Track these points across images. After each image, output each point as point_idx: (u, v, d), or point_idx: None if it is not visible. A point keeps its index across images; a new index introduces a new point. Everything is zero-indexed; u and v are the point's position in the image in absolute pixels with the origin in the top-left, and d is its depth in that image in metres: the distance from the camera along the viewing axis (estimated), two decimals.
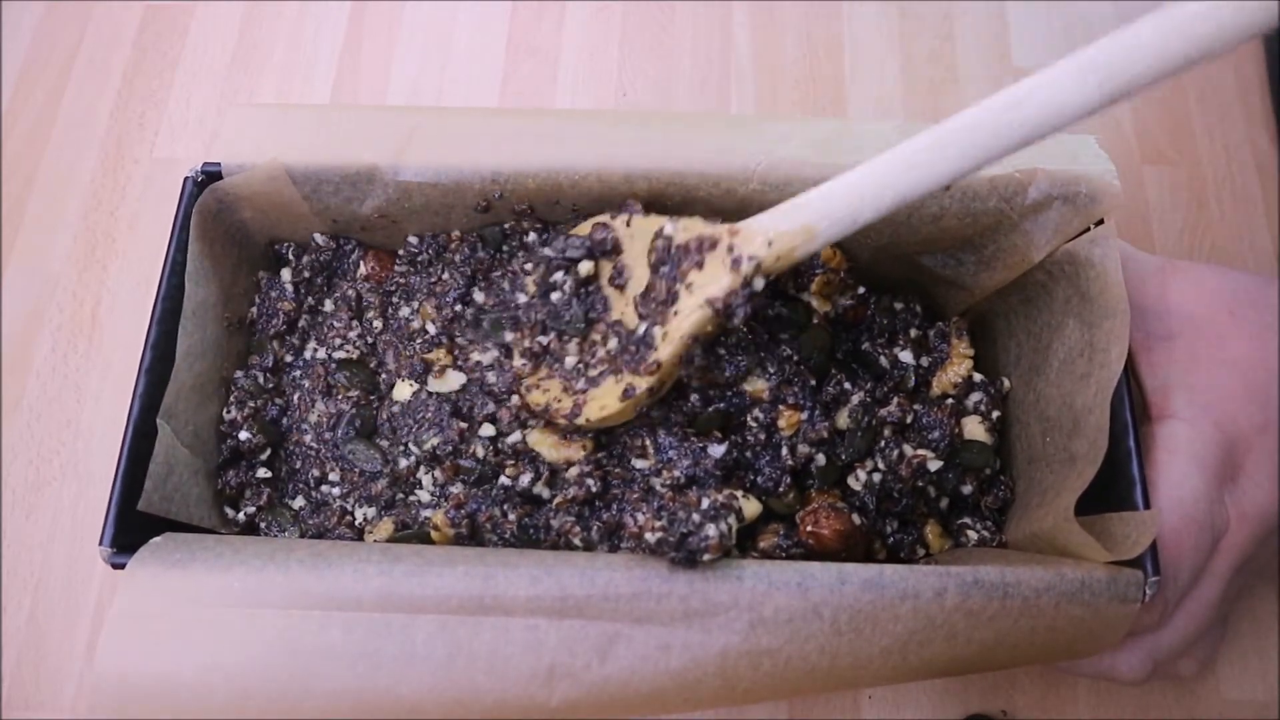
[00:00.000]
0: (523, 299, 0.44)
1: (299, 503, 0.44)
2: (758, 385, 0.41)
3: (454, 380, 0.45)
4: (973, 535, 0.42)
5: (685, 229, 0.38)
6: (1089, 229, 0.40)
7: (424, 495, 0.43)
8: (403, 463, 0.43)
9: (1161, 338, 0.41)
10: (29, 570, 0.53)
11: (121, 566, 0.36)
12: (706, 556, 0.35)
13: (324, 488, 0.44)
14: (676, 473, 0.39)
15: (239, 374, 0.46)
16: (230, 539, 0.37)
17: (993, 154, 0.32)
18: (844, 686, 0.39)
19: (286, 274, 0.48)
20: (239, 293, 0.46)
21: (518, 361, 0.43)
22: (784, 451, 0.41)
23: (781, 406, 0.41)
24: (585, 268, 0.42)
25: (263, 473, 0.44)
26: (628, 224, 0.42)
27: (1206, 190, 0.61)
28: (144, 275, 0.59)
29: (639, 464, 0.40)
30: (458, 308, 0.46)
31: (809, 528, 0.40)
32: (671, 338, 0.37)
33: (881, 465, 0.42)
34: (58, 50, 0.66)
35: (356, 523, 0.43)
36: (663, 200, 0.44)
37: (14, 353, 0.57)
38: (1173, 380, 0.40)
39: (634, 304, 0.40)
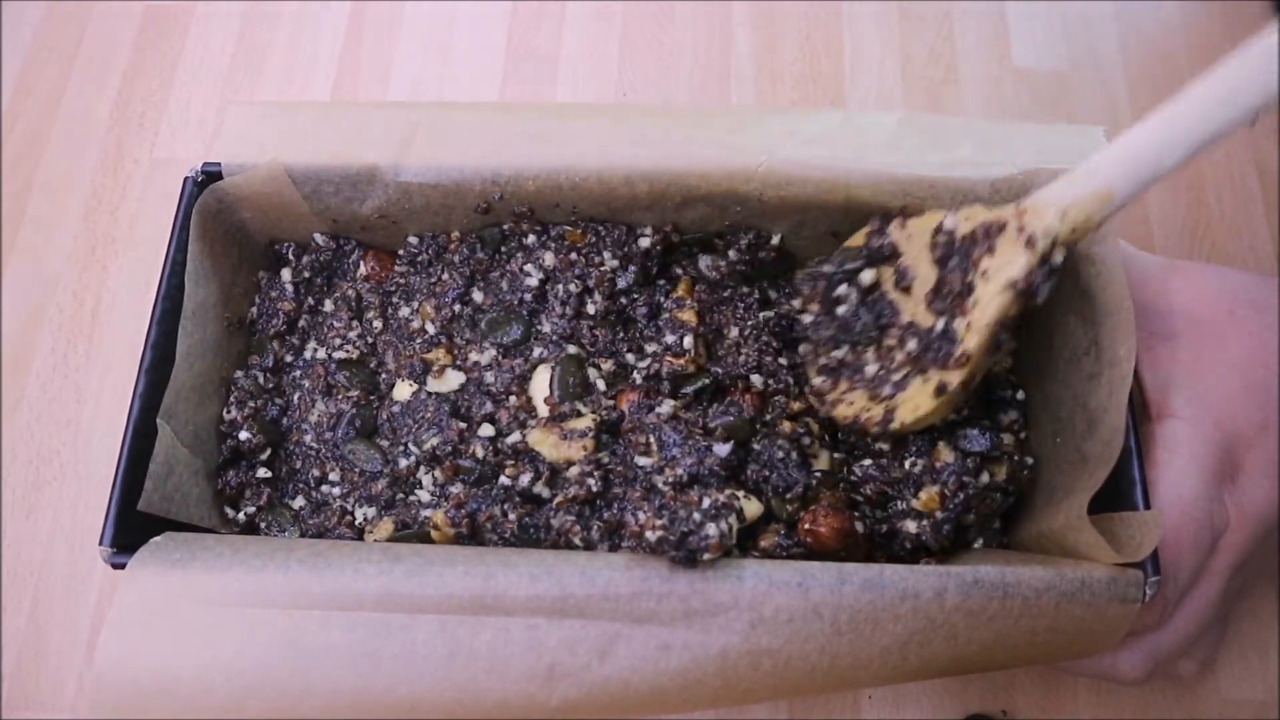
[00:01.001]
0: (807, 319, 0.44)
1: (299, 503, 0.44)
2: (946, 454, 0.40)
3: (453, 380, 0.45)
4: None
5: (967, 219, 0.38)
6: None
7: (424, 495, 0.43)
8: (403, 463, 0.43)
9: (1162, 337, 0.41)
10: (29, 570, 0.52)
11: (121, 566, 0.36)
12: (707, 556, 0.35)
13: (324, 488, 0.44)
14: (680, 470, 0.39)
15: (239, 374, 0.46)
16: (230, 539, 0.37)
17: None
18: (844, 686, 0.39)
19: (286, 274, 0.48)
20: (239, 293, 0.46)
21: (816, 380, 0.43)
22: (904, 522, 0.39)
23: (938, 484, 0.39)
24: (867, 276, 0.41)
25: (263, 473, 0.44)
26: (902, 226, 0.41)
27: (1206, 190, 0.61)
28: (144, 275, 0.59)
29: (642, 461, 0.40)
30: (456, 308, 0.46)
31: (807, 525, 0.39)
32: (976, 327, 0.36)
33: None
34: (58, 50, 0.66)
35: (356, 523, 0.43)
36: (664, 201, 0.44)
37: (14, 353, 0.57)
38: (1173, 380, 0.40)
39: (925, 302, 0.39)
